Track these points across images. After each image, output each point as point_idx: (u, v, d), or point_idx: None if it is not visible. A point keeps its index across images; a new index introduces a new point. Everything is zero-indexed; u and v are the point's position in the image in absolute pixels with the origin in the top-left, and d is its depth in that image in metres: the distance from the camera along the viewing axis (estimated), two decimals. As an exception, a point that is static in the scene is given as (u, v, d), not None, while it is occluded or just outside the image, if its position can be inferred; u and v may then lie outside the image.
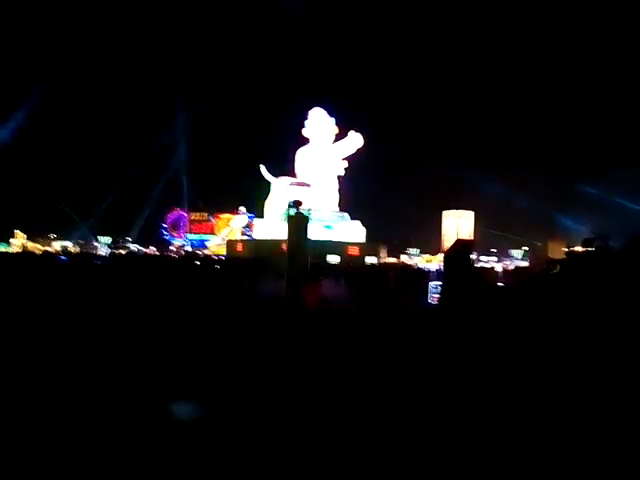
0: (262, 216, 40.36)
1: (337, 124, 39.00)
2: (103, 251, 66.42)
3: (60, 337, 7.66)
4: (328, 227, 35.47)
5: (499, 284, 24.60)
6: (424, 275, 23.96)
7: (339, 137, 39.43)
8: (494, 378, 6.02)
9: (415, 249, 71.29)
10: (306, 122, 39.37)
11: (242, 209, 77.52)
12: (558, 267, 12.57)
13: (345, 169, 39.92)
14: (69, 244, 71.00)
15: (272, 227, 36.14)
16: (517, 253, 66.16)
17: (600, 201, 46.37)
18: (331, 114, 39.25)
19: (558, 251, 26.36)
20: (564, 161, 63.44)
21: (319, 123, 38.84)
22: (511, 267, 34.69)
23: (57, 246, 69.85)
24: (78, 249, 63.54)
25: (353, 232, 35.84)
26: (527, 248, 57.47)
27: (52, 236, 77.79)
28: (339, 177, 39.71)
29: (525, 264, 41.48)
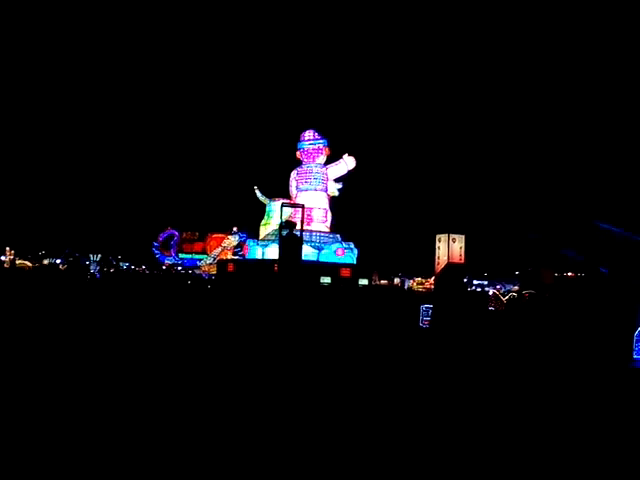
0: (256, 237, 40.28)
1: (330, 146, 39.24)
2: (93, 269, 65.85)
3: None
4: (320, 248, 35.42)
5: (490, 308, 24.62)
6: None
7: (333, 159, 39.66)
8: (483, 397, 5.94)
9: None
10: (299, 143, 39.58)
11: (234, 229, 77.62)
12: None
13: (339, 190, 40.05)
14: (58, 261, 70.41)
15: (264, 248, 36.06)
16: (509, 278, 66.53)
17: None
18: (324, 136, 39.52)
19: (549, 277, 26.53)
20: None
21: (312, 144, 39.05)
22: (502, 291, 34.84)
23: (46, 263, 69.24)
24: (67, 266, 62.95)
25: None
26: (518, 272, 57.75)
27: (41, 253, 77.22)
28: (333, 199, 39.80)
29: (516, 288, 41.61)
